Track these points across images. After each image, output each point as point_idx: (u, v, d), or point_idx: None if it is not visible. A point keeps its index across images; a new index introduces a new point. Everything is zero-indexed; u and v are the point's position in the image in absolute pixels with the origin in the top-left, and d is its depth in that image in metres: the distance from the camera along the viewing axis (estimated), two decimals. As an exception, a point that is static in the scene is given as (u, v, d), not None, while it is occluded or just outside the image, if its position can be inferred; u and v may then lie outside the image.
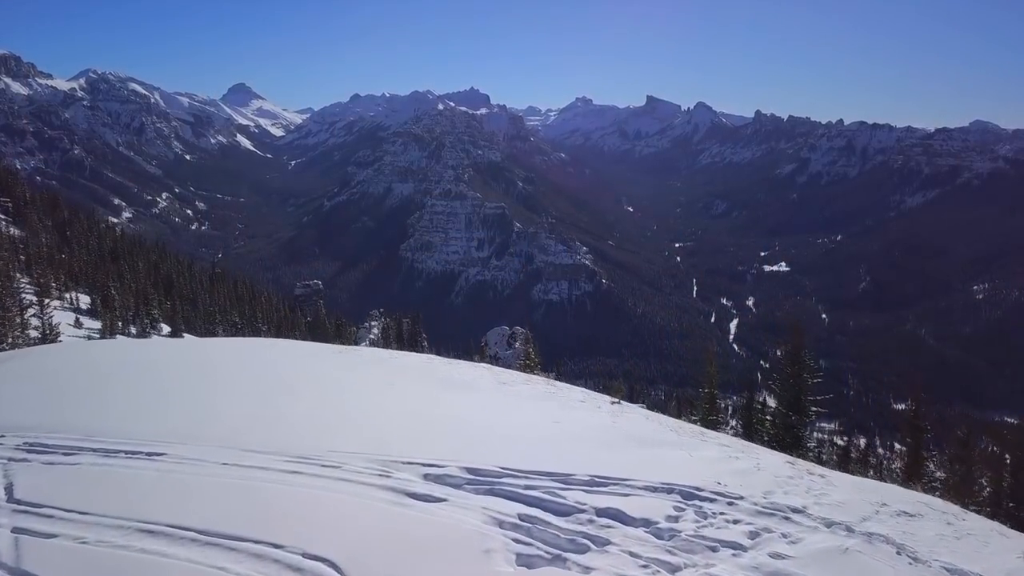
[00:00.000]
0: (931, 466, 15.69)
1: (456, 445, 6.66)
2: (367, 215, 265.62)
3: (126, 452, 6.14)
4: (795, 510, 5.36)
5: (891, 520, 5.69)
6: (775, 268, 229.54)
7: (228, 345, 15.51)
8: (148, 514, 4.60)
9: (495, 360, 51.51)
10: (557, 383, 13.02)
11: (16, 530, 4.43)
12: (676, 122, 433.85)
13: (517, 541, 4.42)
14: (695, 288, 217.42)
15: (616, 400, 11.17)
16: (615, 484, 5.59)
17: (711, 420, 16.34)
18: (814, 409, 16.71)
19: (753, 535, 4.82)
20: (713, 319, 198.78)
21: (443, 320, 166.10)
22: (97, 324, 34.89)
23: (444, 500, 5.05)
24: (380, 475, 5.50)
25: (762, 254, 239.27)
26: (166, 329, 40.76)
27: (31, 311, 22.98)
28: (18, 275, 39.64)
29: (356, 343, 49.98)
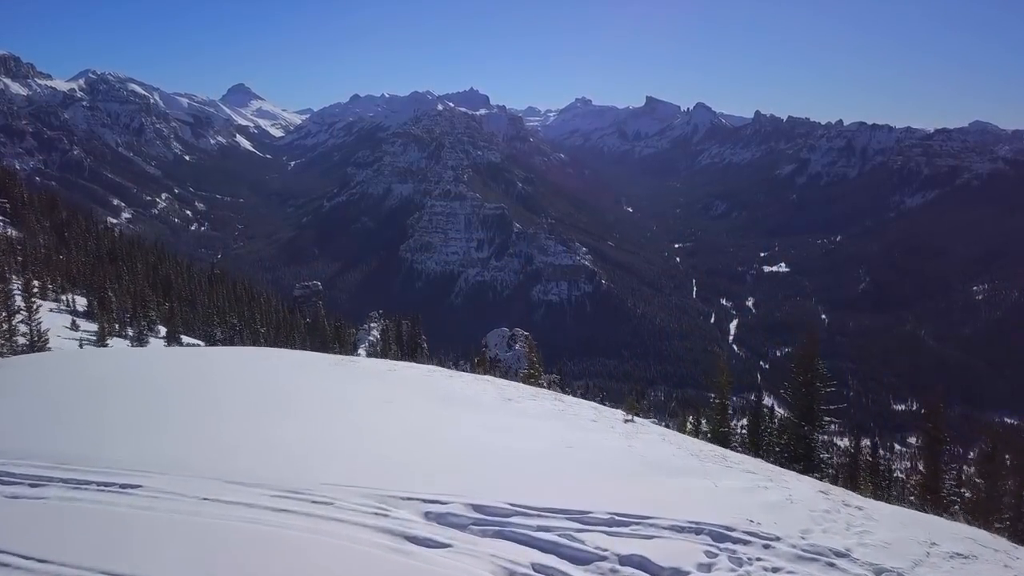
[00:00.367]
0: (949, 479, 15.05)
1: (460, 476, 6.11)
2: (367, 216, 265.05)
3: (98, 484, 5.58)
4: (839, 554, 4.79)
5: (945, 564, 5.12)
6: (775, 269, 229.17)
7: (219, 356, 14.53)
8: (113, 563, 4.07)
9: (495, 362, 51.05)
10: (565, 397, 12.22)
11: (-36, 583, 3.90)
12: (676, 123, 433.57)
13: (531, 598, 3.86)
14: (695, 289, 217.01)
15: (629, 417, 10.50)
16: (638, 523, 5.01)
17: (723, 432, 15.74)
18: (827, 419, 16.14)
19: (796, 588, 4.25)
20: (713, 320, 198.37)
21: (443, 321, 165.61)
22: (93, 327, 34.34)
23: (448, 545, 4.49)
24: (376, 513, 4.94)
25: (762, 255, 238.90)
26: (163, 331, 40.22)
27: (19, 317, 22.27)
28: (13, 276, 39.13)
29: (355, 345, 49.47)
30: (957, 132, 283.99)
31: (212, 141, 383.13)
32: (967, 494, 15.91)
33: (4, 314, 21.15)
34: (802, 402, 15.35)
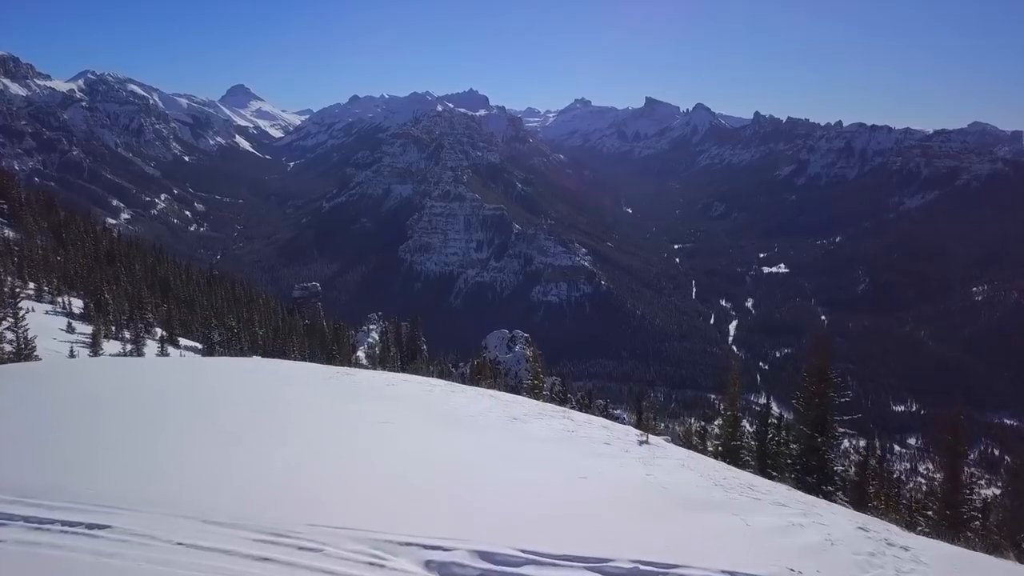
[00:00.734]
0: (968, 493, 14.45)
1: (464, 516, 5.58)
2: (366, 216, 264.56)
3: (63, 523, 5.02)
4: (895, 611, 4.27)
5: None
6: (774, 270, 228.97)
7: (208, 368, 13.47)
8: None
9: (495, 364, 50.55)
10: (573, 414, 11.29)
11: None
12: (675, 123, 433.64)
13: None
14: (694, 290, 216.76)
15: (644, 438, 9.77)
16: (665, 574, 4.48)
17: (735, 446, 15.16)
18: (841, 430, 15.55)
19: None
20: (712, 321, 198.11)
21: (442, 322, 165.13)
22: (90, 329, 33.83)
23: (453, 605, 3.92)
24: (371, 563, 4.45)
25: (761, 255, 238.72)
26: (161, 333, 39.68)
27: (5, 323, 21.65)
28: (10, 279, 38.59)
29: (354, 347, 48.94)
30: (956, 133, 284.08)
31: (211, 142, 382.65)
32: (992, 513, 15.18)
33: (-10, 320, 20.51)
34: (815, 412, 14.67)
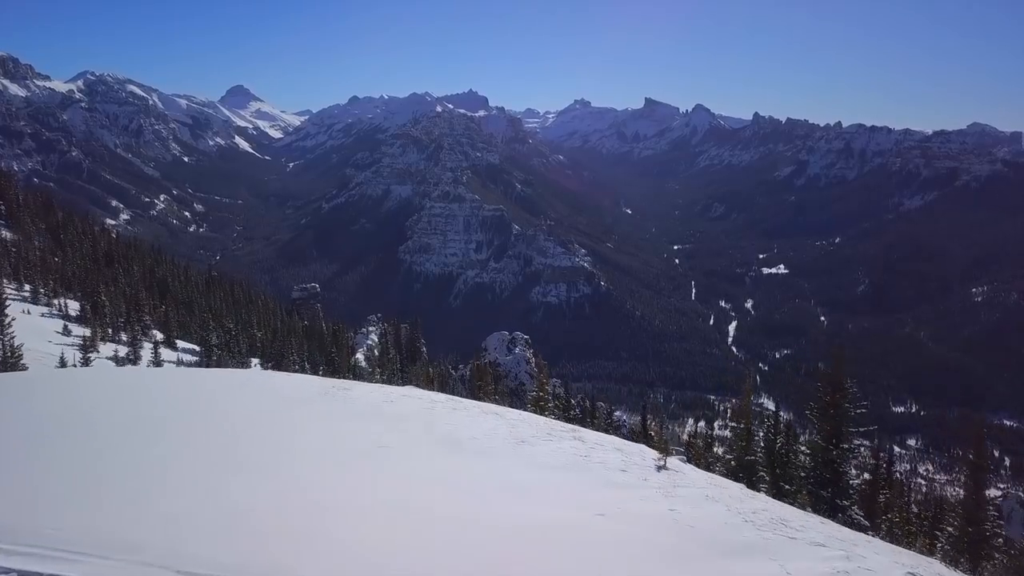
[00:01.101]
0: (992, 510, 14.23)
1: (471, 565, 5.15)
2: (365, 217, 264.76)
3: (19, 574, 4.53)
4: None
5: None
6: (774, 270, 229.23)
7: (197, 383, 12.46)
8: None
9: (495, 366, 50.72)
10: (584, 433, 10.58)
11: None
12: (674, 124, 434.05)
13: None
14: (693, 290, 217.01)
15: (662, 462, 9.07)
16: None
17: (749, 461, 14.81)
18: (857, 442, 15.29)
19: None
20: (712, 321, 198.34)
21: (442, 322, 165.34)
22: (86, 332, 33.83)
23: None
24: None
25: (760, 256, 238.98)
26: (158, 336, 39.78)
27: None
28: (5, 280, 38.61)
29: (353, 350, 49.07)
30: (956, 134, 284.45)
31: (211, 142, 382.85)
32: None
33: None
34: (830, 424, 14.19)
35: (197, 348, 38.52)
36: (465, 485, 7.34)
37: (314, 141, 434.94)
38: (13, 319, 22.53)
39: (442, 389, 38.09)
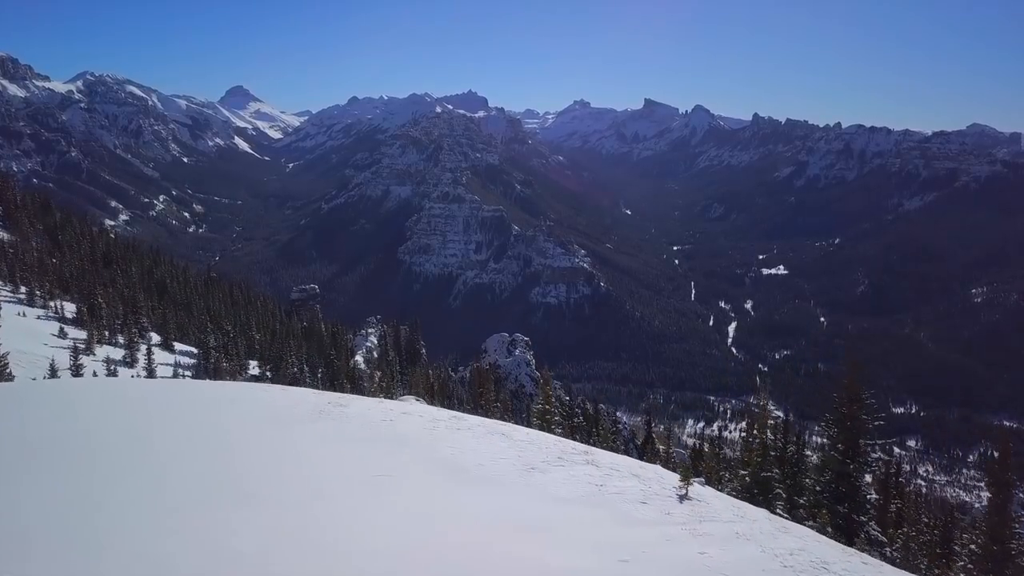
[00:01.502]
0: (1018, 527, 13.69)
1: None
2: (365, 218, 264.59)
3: None
4: None
5: None
6: (773, 271, 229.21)
7: (184, 399, 11.38)
8: None
9: (495, 368, 50.57)
10: (597, 455, 9.86)
11: None
12: (674, 125, 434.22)
13: None
14: (693, 291, 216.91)
15: (683, 489, 8.37)
16: None
17: (765, 478, 14.26)
18: (875, 455, 14.46)
19: None
20: (711, 322, 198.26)
21: (441, 323, 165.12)
22: (82, 334, 33.60)
23: None
24: None
25: (760, 257, 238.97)
26: (156, 338, 39.55)
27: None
28: (0, 282, 38.36)
29: (352, 352, 48.84)
30: (955, 135, 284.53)
31: (210, 143, 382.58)
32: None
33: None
34: (846, 436, 13.68)
35: (195, 350, 38.29)
36: (471, 522, 6.64)
37: (314, 142, 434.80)
38: (19, 315, 21.71)
39: (442, 392, 37.89)
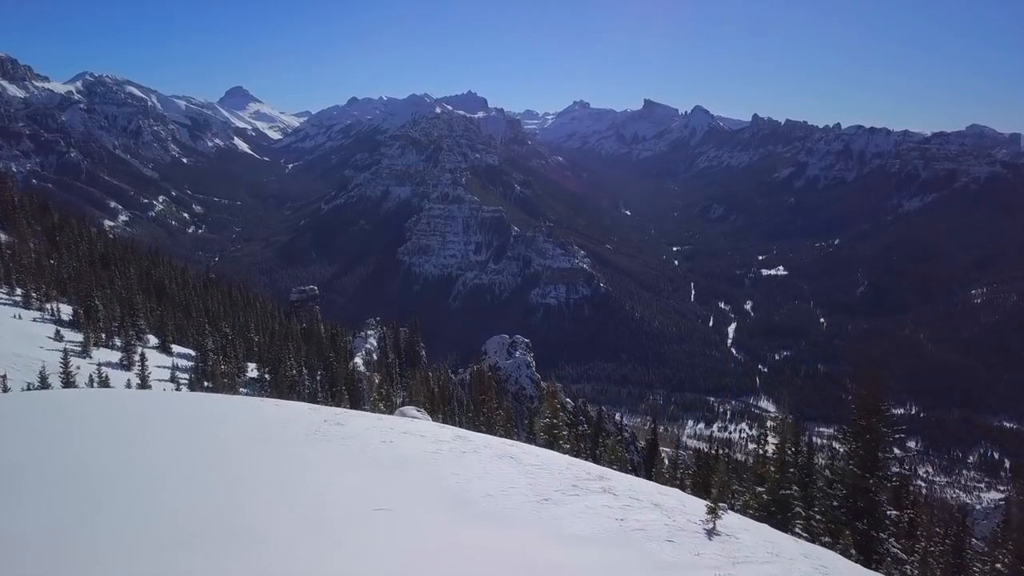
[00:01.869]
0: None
1: None
2: (364, 218, 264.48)
3: None
4: None
5: None
6: (773, 272, 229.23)
7: (169, 415, 10.47)
8: None
9: (495, 370, 50.41)
10: (613, 479, 9.10)
11: None
12: (673, 126, 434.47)
13: None
14: (693, 292, 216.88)
15: (711, 522, 7.70)
16: None
17: (784, 496, 13.66)
18: (895, 469, 14.06)
19: None
20: (711, 323, 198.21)
21: (441, 324, 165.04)
22: (79, 337, 33.40)
23: None
24: None
25: (760, 258, 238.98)
26: (153, 341, 39.36)
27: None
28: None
29: (351, 354, 48.65)
30: (955, 135, 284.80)
31: (210, 143, 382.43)
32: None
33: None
34: (864, 450, 13.06)
35: (193, 353, 38.10)
36: (479, 569, 5.84)
37: (313, 142, 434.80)
38: (15, 317, 21.06)
39: (443, 395, 37.71)
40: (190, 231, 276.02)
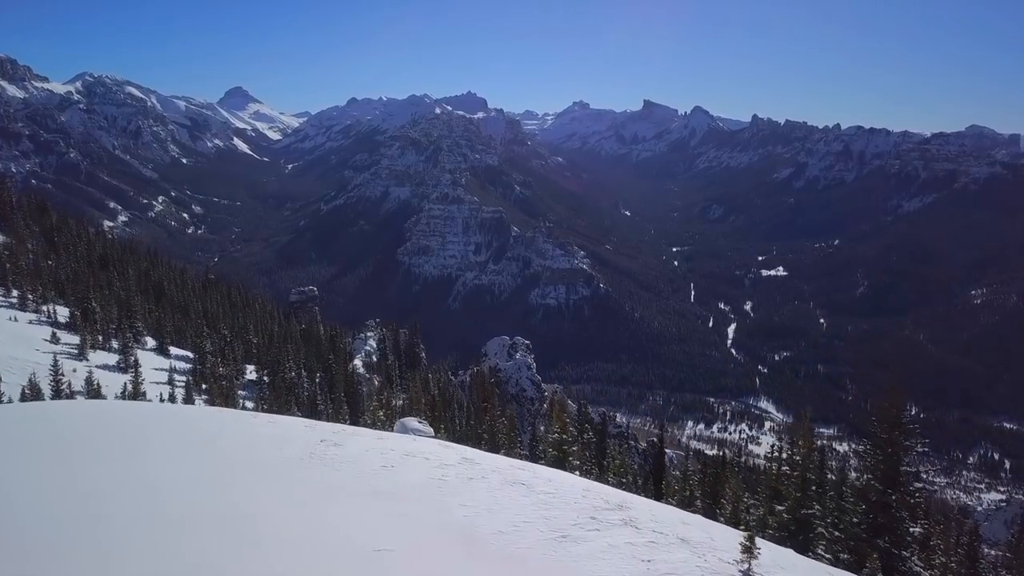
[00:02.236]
0: None
1: None
2: (364, 219, 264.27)
3: None
4: None
5: None
6: (773, 272, 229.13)
7: (156, 434, 9.68)
8: None
9: (496, 371, 50.25)
10: (635, 508, 8.38)
11: None
12: (673, 126, 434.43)
13: None
14: (692, 292, 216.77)
15: (746, 563, 7.12)
16: None
17: (805, 516, 12.70)
18: (918, 485, 13.03)
19: None
20: (711, 324, 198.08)
21: (441, 325, 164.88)
22: (76, 339, 33.18)
23: None
24: None
25: (760, 258, 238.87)
26: (151, 343, 39.17)
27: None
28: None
29: (351, 355, 48.45)
30: (954, 136, 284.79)
31: (209, 144, 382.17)
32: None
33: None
34: (886, 464, 12.37)
35: (191, 355, 37.89)
36: None
37: (313, 143, 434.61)
38: (11, 319, 20.78)
39: (443, 398, 37.51)
40: (189, 231, 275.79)
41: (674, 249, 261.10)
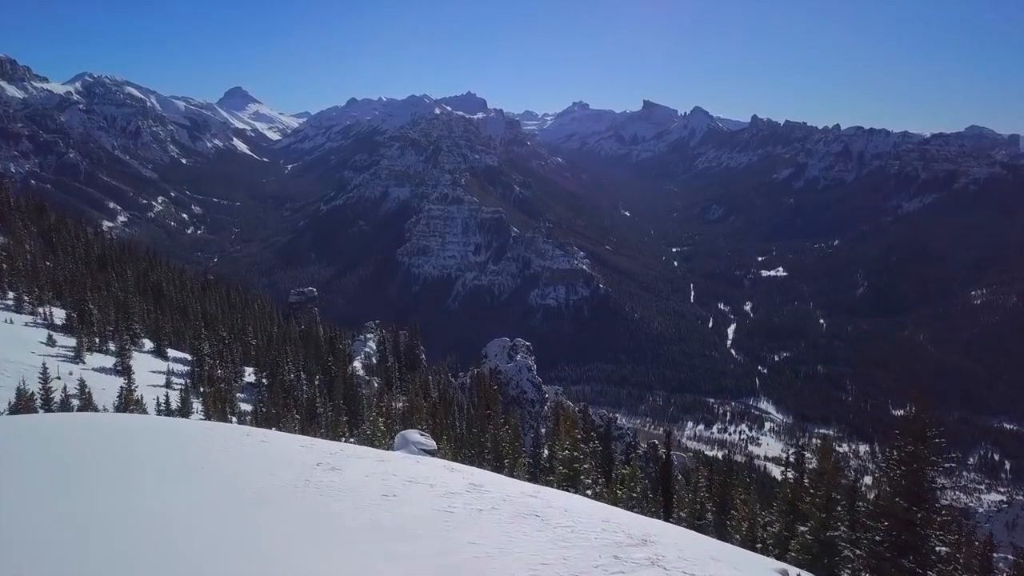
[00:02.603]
0: None
1: None
2: (363, 219, 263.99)
3: None
4: None
5: None
6: (772, 273, 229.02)
7: (144, 453, 9.07)
8: None
9: (496, 373, 50.03)
10: (660, 544, 7.59)
11: None
12: (673, 127, 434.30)
13: None
14: (692, 293, 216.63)
15: None
16: None
17: (830, 539, 12.17)
18: (945, 502, 12.61)
19: None
20: (711, 324, 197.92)
21: (440, 325, 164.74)
22: (72, 341, 32.92)
23: None
24: None
25: (759, 259, 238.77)
26: (148, 345, 38.92)
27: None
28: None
29: (350, 357, 48.21)
30: (954, 136, 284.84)
31: (209, 144, 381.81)
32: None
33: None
34: (910, 480, 11.72)
35: (189, 357, 37.64)
36: None
37: (312, 143, 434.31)
38: (7, 322, 20.65)
39: (443, 401, 37.31)
40: (189, 232, 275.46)
41: (674, 249, 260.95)
